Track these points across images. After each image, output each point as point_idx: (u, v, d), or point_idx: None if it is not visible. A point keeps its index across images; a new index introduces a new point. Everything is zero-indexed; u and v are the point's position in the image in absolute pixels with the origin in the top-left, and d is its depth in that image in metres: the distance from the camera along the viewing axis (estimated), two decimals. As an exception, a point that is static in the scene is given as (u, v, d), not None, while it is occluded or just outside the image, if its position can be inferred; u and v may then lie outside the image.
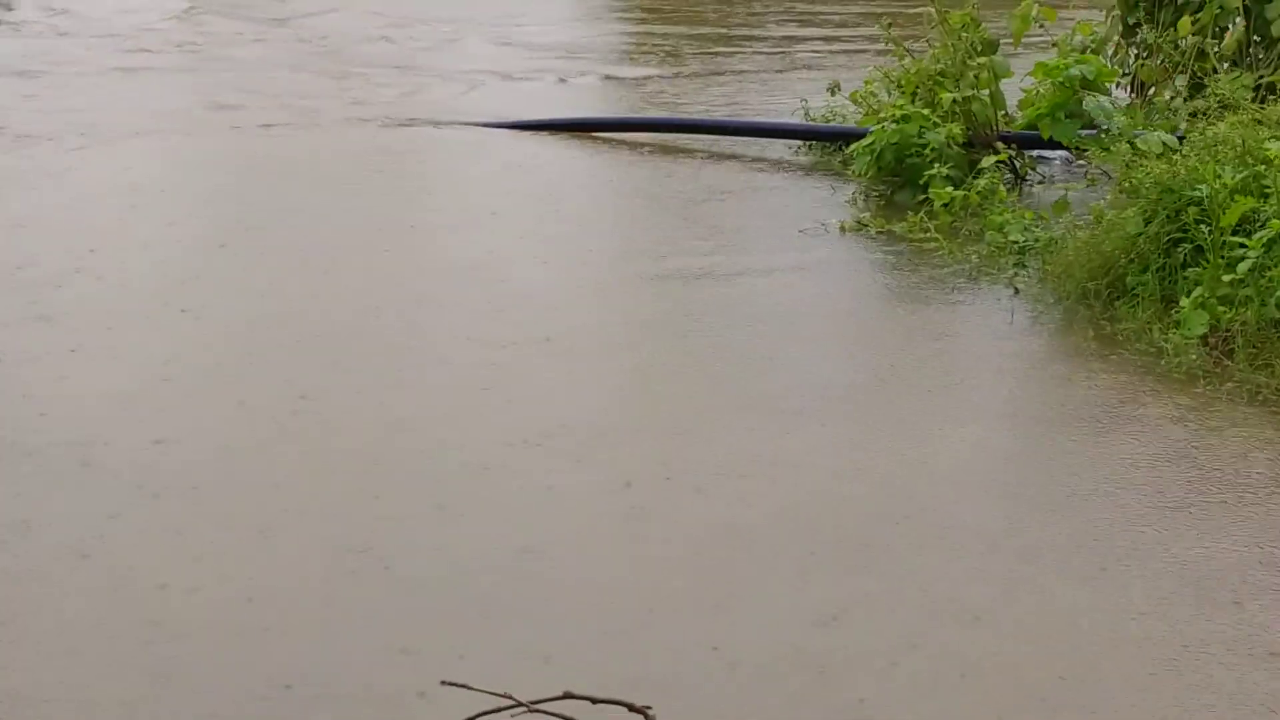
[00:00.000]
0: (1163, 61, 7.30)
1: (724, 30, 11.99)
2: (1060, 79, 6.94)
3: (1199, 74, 7.13)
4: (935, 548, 3.84)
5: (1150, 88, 7.37)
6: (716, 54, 10.84)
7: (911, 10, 9.34)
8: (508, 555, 3.78)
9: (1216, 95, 6.30)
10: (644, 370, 5.11)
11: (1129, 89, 7.65)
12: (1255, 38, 7.25)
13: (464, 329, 5.36)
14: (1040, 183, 7.26)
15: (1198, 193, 5.24)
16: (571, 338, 5.31)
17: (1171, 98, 7.05)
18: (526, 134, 8.29)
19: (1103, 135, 6.58)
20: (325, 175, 7.59)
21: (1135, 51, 7.74)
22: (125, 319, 5.43)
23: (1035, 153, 7.37)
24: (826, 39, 11.36)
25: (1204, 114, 6.16)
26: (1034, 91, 7.13)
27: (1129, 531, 3.92)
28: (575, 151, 8.02)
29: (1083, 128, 6.88)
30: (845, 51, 10.76)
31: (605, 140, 8.17)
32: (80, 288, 5.72)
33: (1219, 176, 5.19)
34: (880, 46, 8.21)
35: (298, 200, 7.09)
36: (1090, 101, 6.68)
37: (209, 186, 7.43)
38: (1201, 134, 5.57)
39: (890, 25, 7.39)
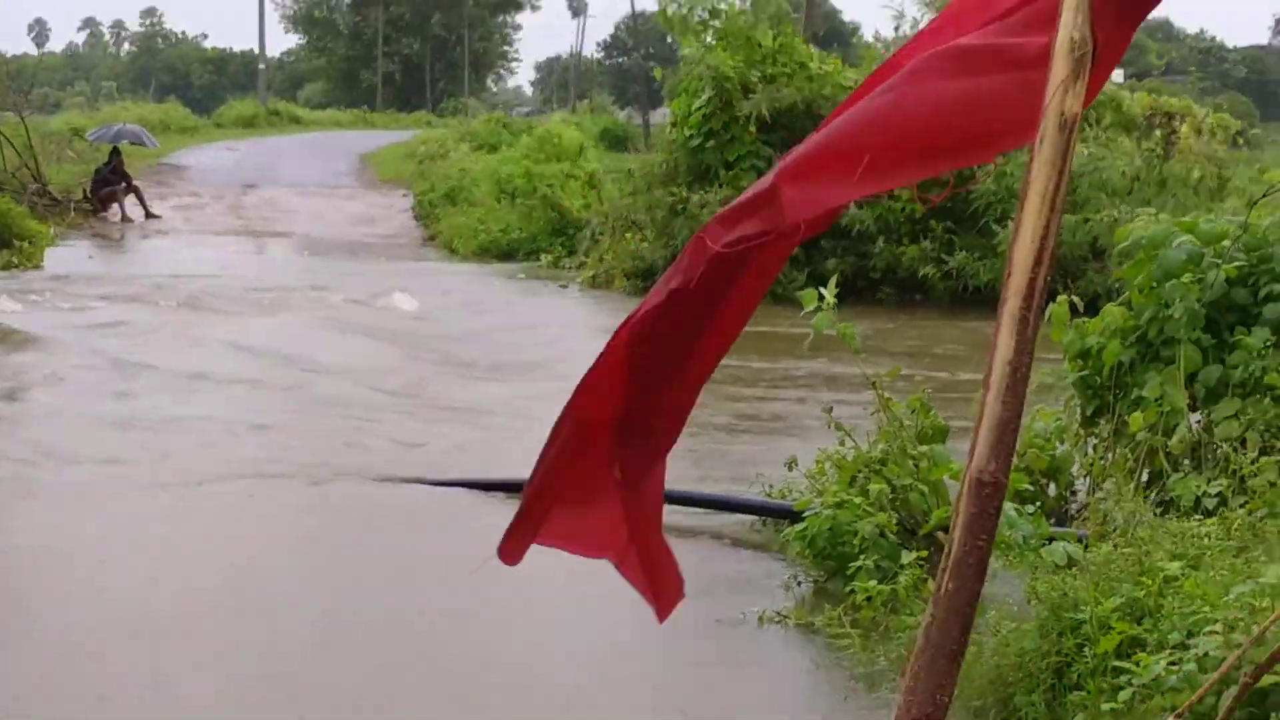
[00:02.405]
0: (1115, 457, 7.21)
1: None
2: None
3: (1154, 472, 7.02)
4: None
5: (1103, 481, 7.26)
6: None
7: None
8: None
9: (1133, 505, 6.17)
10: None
11: (1086, 480, 7.55)
12: (1206, 438, 7.15)
13: None
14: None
15: (1082, 615, 5.08)
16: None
17: (1116, 501, 6.92)
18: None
19: (1008, 541, 6.44)
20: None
21: (1094, 442, 7.66)
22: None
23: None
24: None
25: (1127, 522, 6.03)
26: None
27: None
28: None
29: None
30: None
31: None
32: None
33: (1100, 602, 5.04)
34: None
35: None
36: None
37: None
38: (1098, 550, 5.44)
39: (830, 410, 7.38)
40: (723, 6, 20.06)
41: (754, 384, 12.33)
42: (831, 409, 7.38)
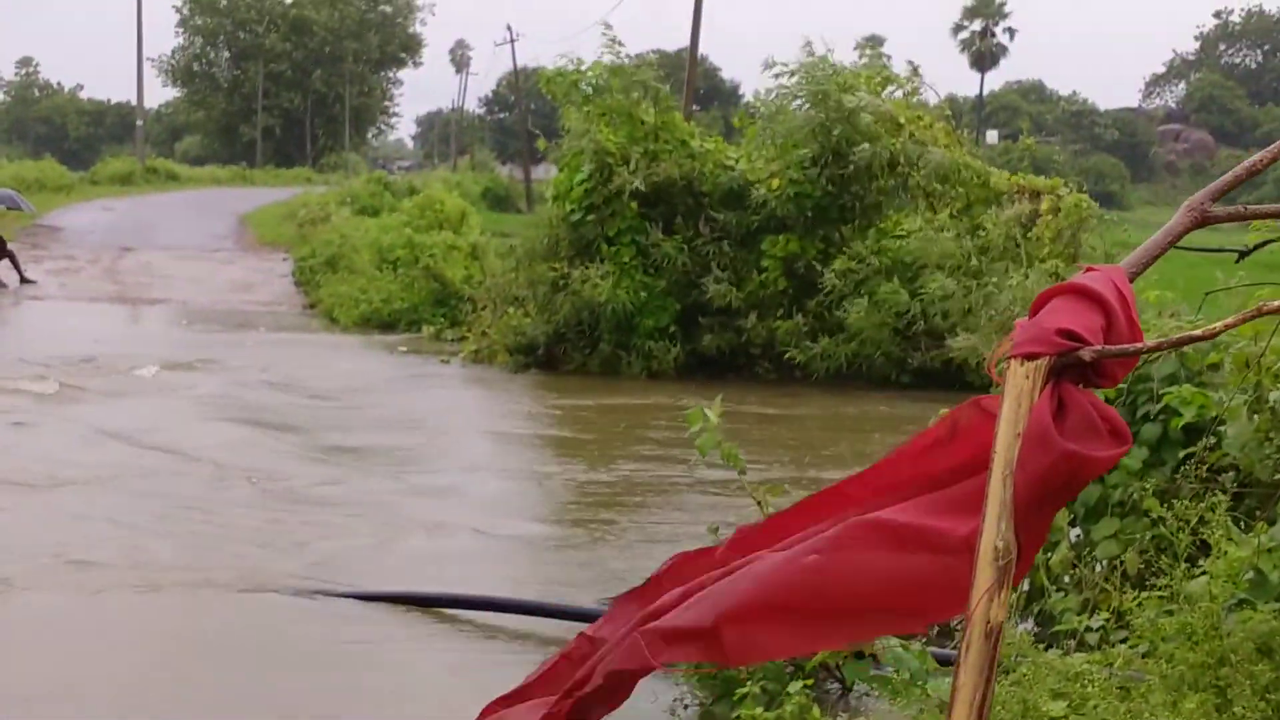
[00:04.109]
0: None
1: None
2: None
3: (1034, 586, 7.10)
4: None
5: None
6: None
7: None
8: None
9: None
10: None
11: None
12: (1087, 554, 7.26)
13: None
14: (869, 693, 7.14)
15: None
16: None
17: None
18: (370, 606, 8.22)
19: (894, 678, 6.48)
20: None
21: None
22: None
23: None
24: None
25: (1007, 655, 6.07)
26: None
27: None
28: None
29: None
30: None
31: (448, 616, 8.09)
32: None
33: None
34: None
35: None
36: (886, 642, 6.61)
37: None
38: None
39: (717, 529, 7.40)
40: (604, 83, 20.18)
41: (620, 479, 12.33)
42: (718, 529, 7.39)
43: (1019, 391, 2.03)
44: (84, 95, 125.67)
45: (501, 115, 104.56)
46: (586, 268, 19.43)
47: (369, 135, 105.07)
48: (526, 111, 76.68)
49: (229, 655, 7.56)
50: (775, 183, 19.64)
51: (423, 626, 8.03)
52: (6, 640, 7.65)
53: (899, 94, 20.71)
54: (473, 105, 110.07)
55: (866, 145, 19.22)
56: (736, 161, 20.40)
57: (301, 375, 17.99)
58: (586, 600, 8.35)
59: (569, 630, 7.81)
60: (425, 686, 7.25)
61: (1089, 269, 2.21)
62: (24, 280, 28.81)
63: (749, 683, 6.53)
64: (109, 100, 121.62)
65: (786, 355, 18.61)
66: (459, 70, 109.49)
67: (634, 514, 10.96)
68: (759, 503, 7.24)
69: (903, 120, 19.93)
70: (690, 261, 19.54)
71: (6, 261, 28.92)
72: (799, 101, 20.09)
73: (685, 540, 9.74)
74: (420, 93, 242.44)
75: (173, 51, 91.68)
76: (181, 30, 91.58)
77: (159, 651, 7.60)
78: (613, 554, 9.76)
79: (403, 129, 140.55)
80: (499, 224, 35.70)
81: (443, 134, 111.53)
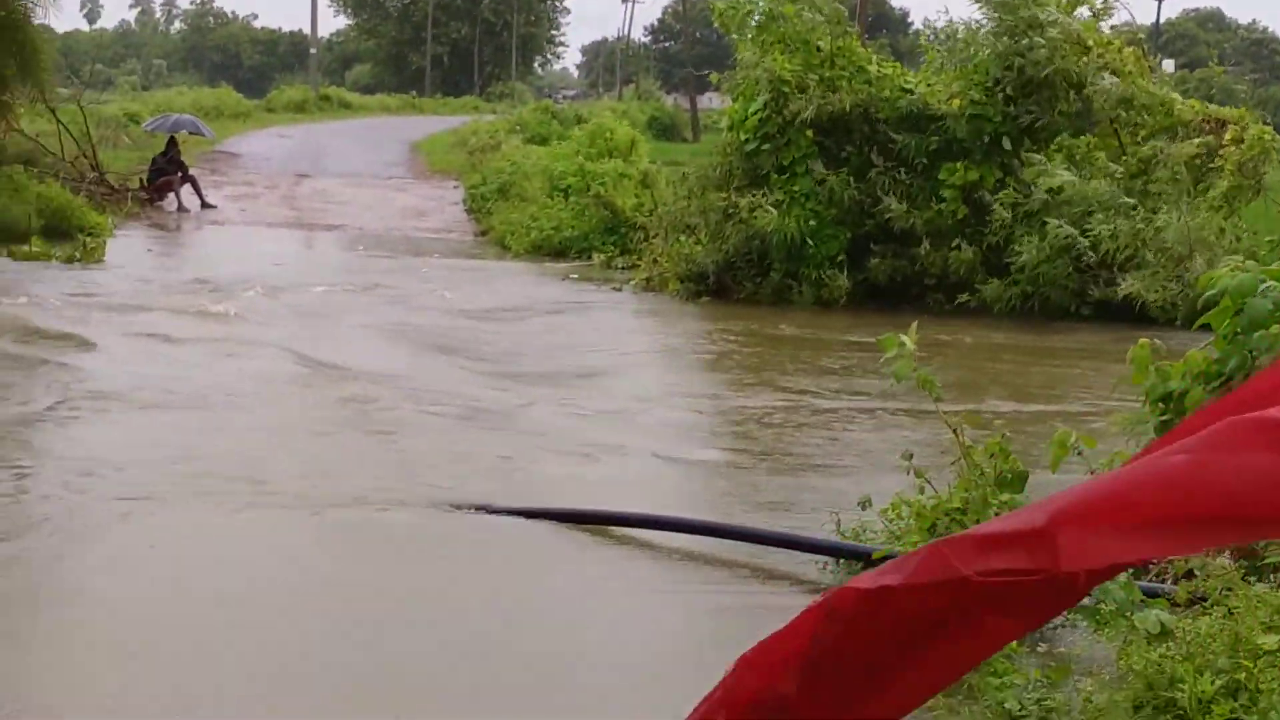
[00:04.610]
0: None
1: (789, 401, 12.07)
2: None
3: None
4: None
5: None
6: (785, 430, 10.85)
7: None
8: None
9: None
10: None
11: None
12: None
13: None
14: (1061, 625, 7.04)
15: (1180, 693, 5.02)
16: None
17: (1202, 562, 6.83)
18: (536, 524, 8.29)
19: (1101, 608, 6.36)
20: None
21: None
22: None
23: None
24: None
25: (1215, 587, 5.94)
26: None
27: None
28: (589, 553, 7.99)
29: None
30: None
31: (621, 538, 8.14)
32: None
33: (1198, 678, 4.97)
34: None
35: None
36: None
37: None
38: (1191, 622, 5.37)
39: (911, 456, 7.31)
40: (778, 10, 19.93)
41: (804, 404, 12.27)
42: (911, 455, 7.30)
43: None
44: (257, 24, 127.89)
45: (667, 44, 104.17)
46: (755, 196, 19.29)
47: (535, 64, 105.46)
48: (692, 40, 76.28)
49: (417, 568, 7.69)
50: (955, 103, 19.32)
51: (607, 549, 8.09)
52: (203, 553, 7.86)
53: (1088, 15, 20.20)
54: (638, 34, 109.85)
55: (1050, 65, 18.82)
56: (915, 85, 20.09)
57: (476, 301, 18.17)
58: (769, 526, 8.35)
59: (755, 553, 7.82)
60: (603, 603, 7.32)
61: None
62: (205, 205, 29.45)
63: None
64: (280, 29, 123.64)
65: (959, 299, 18.32)
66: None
67: (813, 441, 10.90)
68: (954, 430, 7.16)
69: (1090, 43, 19.46)
70: (861, 192, 19.31)
71: (189, 186, 29.57)
72: (981, 16, 19.76)
73: (870, 470, 9.68)
74: (586, 22, 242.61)
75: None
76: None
77: (333, 565, 7.75)
78: (796, 481, 9.72)
79: (568, 58, 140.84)
80: (665, 153, 35.58)
81: (608, 63, 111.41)
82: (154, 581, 7.30)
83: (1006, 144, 19.14)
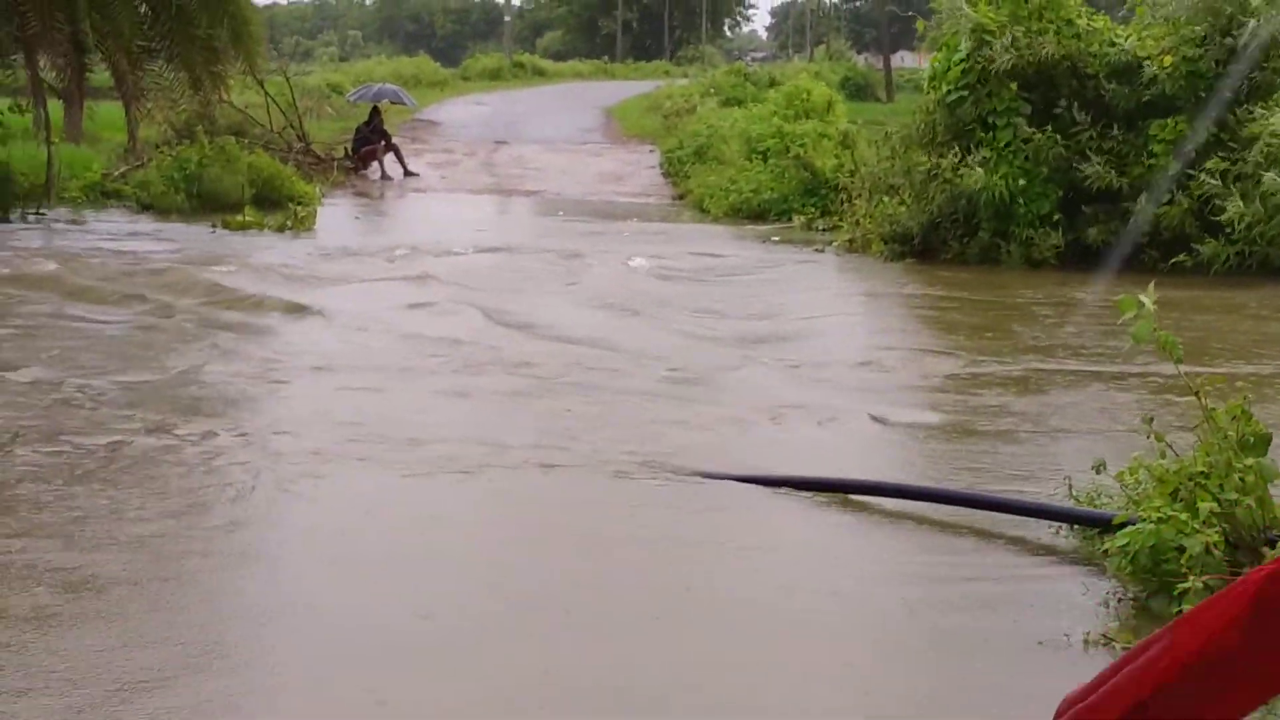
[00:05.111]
0: None
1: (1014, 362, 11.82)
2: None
3: None
4: None
5: None
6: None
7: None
8: None
9: None
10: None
11: None
12: None
13: None
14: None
15: None
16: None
17: None
18: (758, 491, 8.21)
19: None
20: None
21: None
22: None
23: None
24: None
25: None
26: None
27: None
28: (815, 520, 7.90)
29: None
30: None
31: (844, 504, 8.03)
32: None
33: None
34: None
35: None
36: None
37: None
38: None
39: (1151, 420, 7.08)
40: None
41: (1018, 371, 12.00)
42: (1152, 419, 7.07)
43: None
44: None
45: (857, 3, 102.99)
46: (960, 155, 18.93)
47: (724, 27, 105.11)
48: (884, -2, 75.17)
49: (633, 539, 7.69)
50: (1167, 59, 18.72)
51: (825, 512, 7.99)
52: (414, 512, 7.94)
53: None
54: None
55: (1256, 19, 18.14)
56: (1125, 39, 19.51)
57: (680, 264, 18.18)
58: (995, 490, 8.19)
59: (981, 519, 7.67)
60: (818, 566, 7.23)
61: None
62: (407, 173, 29.96)
63: (1192, 577, 6.26)
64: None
65: (1174, 259, 17.75)
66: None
67: (1035, 406, 10.66)
68: (1196, 393, 6.91)
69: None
70: (1067, 149, 18.83)
71: (392, 155, 30.10)
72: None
73: (1097, 437, 9.42)
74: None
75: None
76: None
77: (548, 525, 7.77)
78: (1014, 447, 9.51)
79: (757, 20, 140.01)
80: (859, 113, 35.21)
81: (797, 24, 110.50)
82: (395, 548, 7.39)
83: (1224, 95, 18.49)
